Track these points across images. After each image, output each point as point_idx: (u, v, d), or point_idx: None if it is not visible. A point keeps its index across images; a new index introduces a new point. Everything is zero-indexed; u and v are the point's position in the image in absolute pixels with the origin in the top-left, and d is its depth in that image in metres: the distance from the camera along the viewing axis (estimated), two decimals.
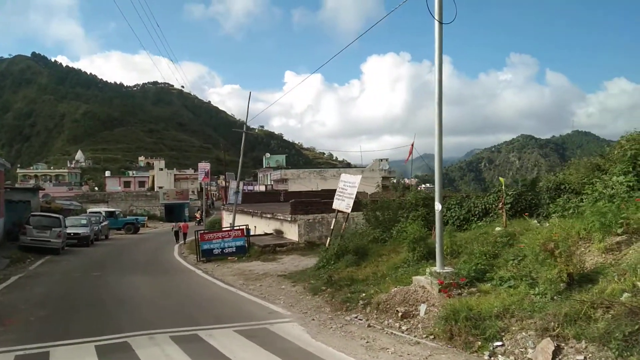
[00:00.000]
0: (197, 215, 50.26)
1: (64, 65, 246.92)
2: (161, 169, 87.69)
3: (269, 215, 24.05)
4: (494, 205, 13.22)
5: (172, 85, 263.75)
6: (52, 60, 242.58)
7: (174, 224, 36.67)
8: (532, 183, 15.29)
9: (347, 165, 66.54)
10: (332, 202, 23.16)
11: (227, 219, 32.37)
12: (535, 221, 11.68)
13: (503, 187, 11.87)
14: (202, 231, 23.03)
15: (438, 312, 8.25)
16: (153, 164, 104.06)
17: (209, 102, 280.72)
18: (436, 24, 9.10)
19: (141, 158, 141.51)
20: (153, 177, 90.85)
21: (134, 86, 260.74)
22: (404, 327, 8.43)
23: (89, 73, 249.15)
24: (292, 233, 21.87)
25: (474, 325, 7.18)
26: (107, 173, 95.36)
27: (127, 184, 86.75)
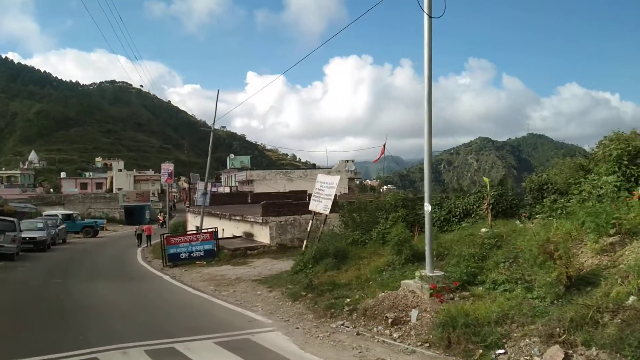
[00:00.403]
0: (160, 217, 48.78)
1: (16, 62, 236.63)
2: (120, 170, 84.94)
3: (238, 218, 23.34)
4: (475, 206, 13.04)
5: (131, 85, 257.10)
6: (3, 57, 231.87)
7: (136, 226, 35.38)
8: (500, 183, 15.26)
9: (312, 167, 65.94)
10: (304, 203, 22.82)
11: (192, 222, 31.39)
12: (518, 222, 11.54)
13: (488, 187, 11.68)
14: (169, 234, 22.13)
15: (431, 318, 7.89)
16: (111, 165, 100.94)
17: (169, 101, 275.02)
18: (425, 18, 8.76)
19: (98, 159, 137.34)
20: (111, 178, 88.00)
21: (91, 85, 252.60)
22: (395, 335, 8.02)
23: (42, 71, 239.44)
24: (263, 236, 21.25)
25: (473, 332, 6.83)
26: (63, 174, 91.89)
27: (84, 186, 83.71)
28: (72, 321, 10.25)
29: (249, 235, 22.58)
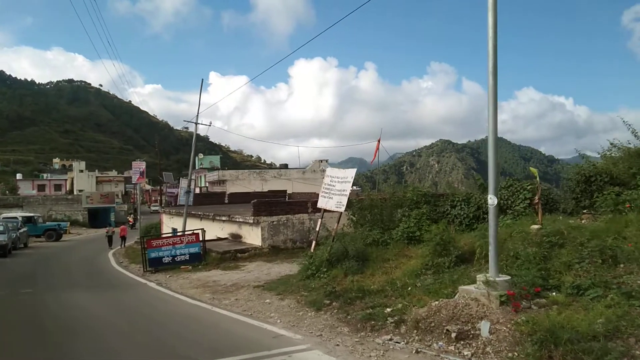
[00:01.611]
0: (130, 219, 46.20)
1: None
2: (81, 171, 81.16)
3: (224, 218, 21.61)
4: (509, 201, 11.86)
5: (90, 84, 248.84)
6: None
7: (107, 228, 33.04)
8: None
9: (284, 166, 64.21)
10: (297, 202, 21.29)
11: (168, 223, 29.38)
12: (560, 217, 10.44)
13: (537, 179, 10.51)
14: (149, 237, 20.22)
15: (510, 331, 6.58)
16: (70, 166, 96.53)
17: (130, 101, 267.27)
18: None
19: (56, 160, 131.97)
20: (72, 179, 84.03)
21: (47, 84, 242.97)
22: (466, 352, 6.67)
23: None
24: (253, 237, 19.62)
25: (583, 350, 5.55)
26: (19, 176, 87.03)
27: (41, 188, 79.53)
28: (57, 344, 8.48)
29: (236, 237, 20.89)
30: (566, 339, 5.65)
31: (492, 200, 7.54)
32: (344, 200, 12.09)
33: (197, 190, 65.54)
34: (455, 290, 8.13)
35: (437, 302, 7.83)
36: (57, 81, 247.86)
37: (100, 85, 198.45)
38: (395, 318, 8.09)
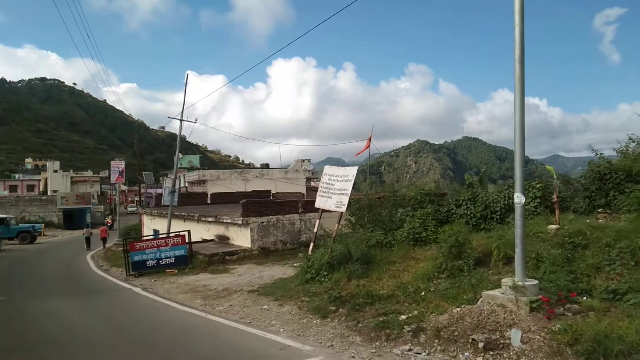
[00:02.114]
0: (109, 220, 44.85)
1: None
2: (55, 171, 78.83)
3: (209, 219, 20.78)
4: None
5: (63, 82, 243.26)
6: None
7: (84, 229, 31.82)
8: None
9: (266, 166, 63.29)
10: (288, 202, 20.58)
11: (149, 224, 28.36)
12: (571, 217, 9.99)
13: (555, 177, 10.03)
14: (132, 239, 19.30)
15: (546, 340, 6.05)
16: (42, 166, 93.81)
17: (104, 100, 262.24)
18: None
19: (28, 160, 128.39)
20: (45, 180, 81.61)
21: (19, 82, 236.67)
22: None
23: None
24: (242, 239, 18.86)
25: None
26: None
27: (13, 188, 76.99)
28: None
29: (223, 239, 20.10)
30: (617, 351, 5.13)
31: (519, 198, 7.01)
32: (345, 200, 11.46)
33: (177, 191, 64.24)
34: (477, 295, 7.60)
35: (458, 309, 7.27)
36: (30, 79, 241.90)
37: (74, 84, 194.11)
38: (413, 326, 7.50)
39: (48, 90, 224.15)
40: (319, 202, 12.67)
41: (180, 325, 9.76)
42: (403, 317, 7.92)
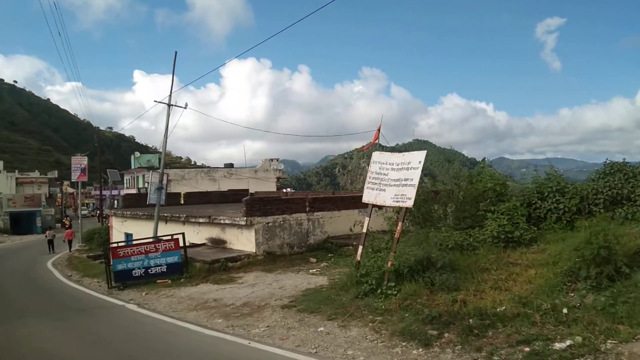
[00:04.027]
0: (67, 221, 40.79)
1: None
2: None
3: (200, 220, 18.05)
4: (623, 191, 9.51)
5: (2, 80, 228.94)
6: None
7: (47, 231, 28.36)
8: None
9: (230, 166, 60.20)
10: (294, 200, 18.03)
11: (119, 228, 25.17)
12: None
13: None
14: (114, 244, 16.38)
15: None
16: None
17: (48, 99, 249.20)
18: None
19: None
20: None
21: None
22: None
23: None
24: (243, 242, 16.29)
25: None
26: None
27: None
28: None
29: (218, 243, 17.45)
30: None
31: None
32: (411, 192, 9.21)
33: (134, 191, 60.07)
34: None
35: None
36: None
37: (15, 82, 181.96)
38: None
39: None
40: (368, 196, 10.37)
41: (221, 358, 7.27)
42: (559, 345, 5.78)
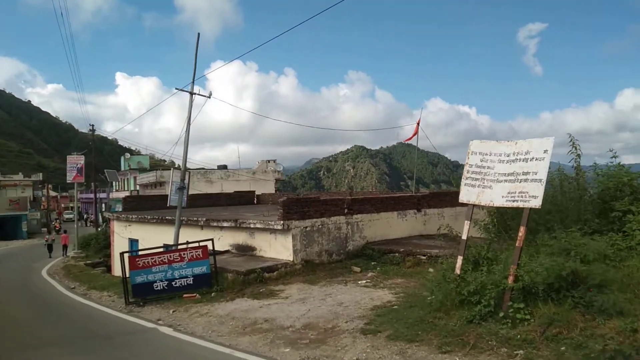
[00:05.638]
0: (57, 224, 38.26)
1: None
2: None
3: (225, 224, 15.97)
4: None
5: None
6: None
7: (46, 236, 26.14)
8: None
9: (223, 167, 57.78)
10: (332, 201, 15.93)
11: (122, 233, 22.93)
12: None
13: None
14: (133, 253, 14.26)
15: None
16: None
17: (29, 101, 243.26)
18: None
19: None
20: None
21: None
22: None
23: None
24: (277, 249, 14.30)
25: None
26: None
27: None
28: None
29: (245, 250, 15.41)
30: None
31: None
32: (536, 190, 7.30)
33: (122, 195, 57.34)
34: None
35: None
36: None
37: None
38: None
39: None
40: (467, 195, 8.45)
41: None
42: None
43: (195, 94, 14.65)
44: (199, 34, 14.70)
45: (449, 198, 19.09)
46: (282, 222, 13.67)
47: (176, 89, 14.52)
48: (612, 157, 8.99)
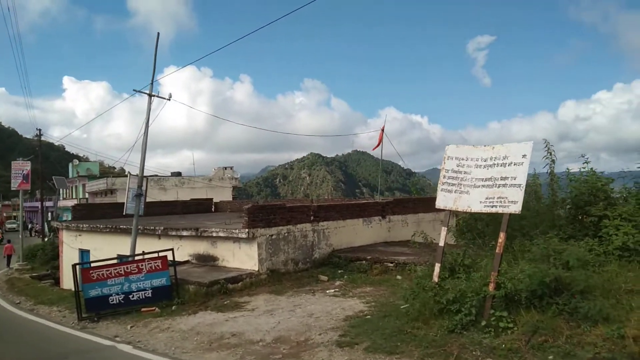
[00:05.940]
0: None
1: None
2: None
3: (184, 233, 15.27)
4: None
5: None
6: None
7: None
8: None
9: (177, 174, 56.14)
10: (299, 207, 15.48)
11: (72, 243, 21.69)
12: None
13: None
14: (85, 265, 13.35)
15: None
16: None
17: None
18: None
19: None
20: None
21: None
22: None
23: None
24: (241, 258, 13.74)
25: None
26: None
27: None
28: None
29: (206, 259, 14.77)
30: None
31: None
32: (515, 195, 7.16)
33: (71, 203, 54.84)
34: None
35: None
36: None
37: None
38: None
39: None
40: (445, 200, 8.25)
41: None
42: None
43: (155, 95, 13.95)
44: (158, 33, 14.06)
45: (412, 205, 19.11)
46: (247, 230, 13.14)
47: (134, 90, 13.79)
48: (584, 163, 9.01)
